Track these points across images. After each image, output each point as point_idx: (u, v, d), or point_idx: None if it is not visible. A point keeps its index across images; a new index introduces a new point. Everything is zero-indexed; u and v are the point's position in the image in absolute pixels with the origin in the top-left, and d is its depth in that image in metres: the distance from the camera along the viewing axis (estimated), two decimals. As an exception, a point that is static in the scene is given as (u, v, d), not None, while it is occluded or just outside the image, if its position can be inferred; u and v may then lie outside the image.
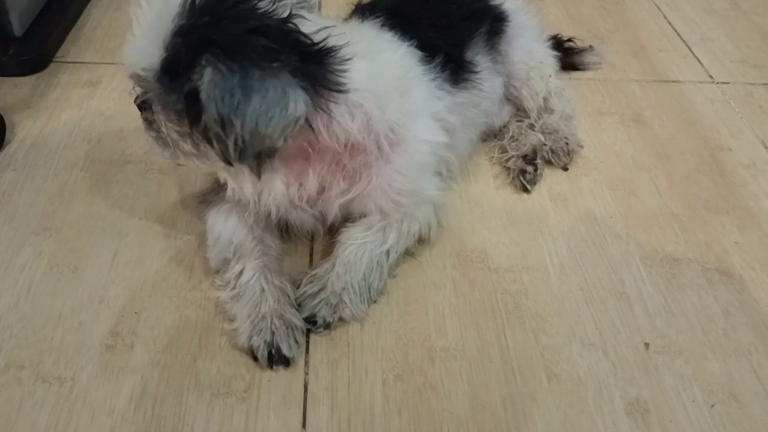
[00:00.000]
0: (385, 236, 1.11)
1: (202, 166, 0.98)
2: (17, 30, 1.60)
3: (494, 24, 1.37)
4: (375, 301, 1.09)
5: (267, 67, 0.84)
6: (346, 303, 1.06)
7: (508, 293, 1.14)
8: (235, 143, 0.86)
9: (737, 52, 1.84)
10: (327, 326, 1.05)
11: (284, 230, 1.17)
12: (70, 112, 1.48)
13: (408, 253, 1.17)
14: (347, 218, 1.14)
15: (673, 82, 1.71)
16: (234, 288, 1.07)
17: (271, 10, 0.88)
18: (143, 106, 0.98)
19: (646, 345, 1.07)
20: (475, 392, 0.99)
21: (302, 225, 1.14)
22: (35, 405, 0.94)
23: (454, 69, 1.22)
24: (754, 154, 1.48)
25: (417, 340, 1.05)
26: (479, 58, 1.31)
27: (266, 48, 0.85)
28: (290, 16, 0.89)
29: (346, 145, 1.00)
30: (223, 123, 0.85)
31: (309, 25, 0.91)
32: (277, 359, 0.99)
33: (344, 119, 0.96)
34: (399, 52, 1.10)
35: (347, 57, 0.92)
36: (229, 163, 0.91)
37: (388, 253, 1.11)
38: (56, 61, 1.64)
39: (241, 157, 0.88)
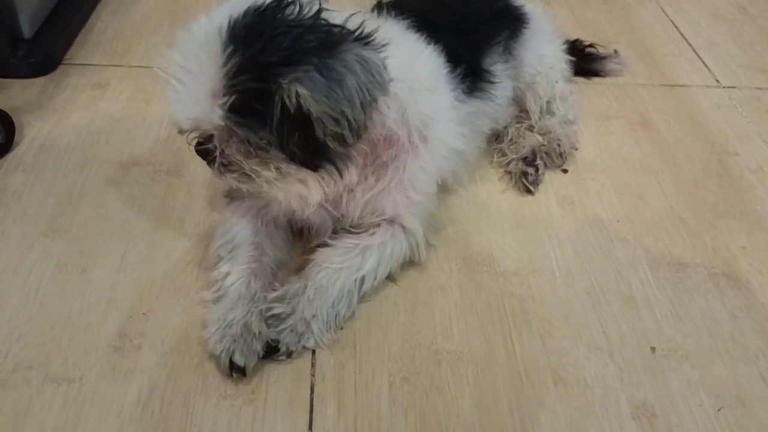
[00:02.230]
0: (363, 261, 1.09)
1: (280, 186, 0.98)
2: (27, 32, 1.61)
3: (514, 26, 1.38)
4: (341, 328, 1.07)
5: (336, 53, 0.87)
6: (312, 332, 1.03)
7: (514, 297, 1.14)
8: (350, 129, 0.89)
9: (744, 56, 1.84)
10: (289, 354, 1.02)
11: (296, 233, 1.18)
12: (79, 114, 1.49)
13: (390, 279, 1.14)
14: (362, 220, 1.13)
15: (680, 86, 1.71)
16: (218, 290, 1.07)
17: (302, 12, 0.91)
18: (210, 153, 0.96)
19: (653, 349, 1.07)
20: (482, 395, 0.99)
21: (320, 226, 1.14)
22: (43, 405, 0.94)
23: (472, 79, 1.22)
24: (762, 158, 1.48)
25: (423, 343, 1.06)
26: (497, 66, 1.32)
27: (323, 42, 0.88)
28: (320, 11, 0.92)
29: (380, 137, 1.01)
30: (338, 118, 0.87)
31: (338, 16, 0.93)
32: (235, 368, 0.97)
33: (383, 108, 0.97)
34: (427, 50, 1.11)
35: (384, 42, 0.94)
36: (314, 168, 0.94)
37: (363, 279, 1.08)
38: (65, 64, 1.65)
39: (352, 142, 0.91)
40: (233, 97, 0.86)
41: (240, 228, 1.13)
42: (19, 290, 1.10)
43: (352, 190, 1.08)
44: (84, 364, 1.00)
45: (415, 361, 1.03)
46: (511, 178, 1.38)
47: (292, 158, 0.92)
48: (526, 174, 1.35)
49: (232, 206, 1.16)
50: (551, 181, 1.39)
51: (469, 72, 1.20)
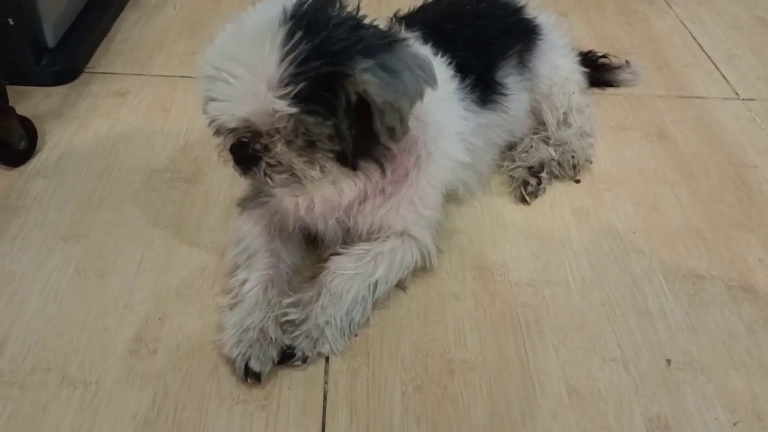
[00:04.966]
0: (376, 266, 1.09)
1: (321, 187, 0.99)
2: (50, 41, 1.64)
3: (527, 40, 1.39)
4: (356, 335, 1.08)
5: (393, 48, 0.91)
6: (327, 338, 1.03)
7: (528, 307, 1.14)
8: (401, 123, 0.91)
9: (763, 68, 1.83)
10: (304, 360, 1.02)
11: (310, 242, 1.19)
12: (100, 122, 1.51)
13: (401, 287, 1.15)
14: (371, 232, 1.13)
15: (698, 98, 1.70)
16: (235, 296, 1.08)
17: (343, 8, 0.94)
18: (252, 154, 0.94)
19: (668, 361, 1.06)
20: (495, 405, 0.99)
21: (331, 237, 1.14)
22: (60, 407, 0.96)
23: (484, 90, 1.23)
24: (780, 171, 1.47)
25: (437, 352, 1.06)
26: (510, 78, 1.32)
27: (380, 37, 0.92)
28: (358, 9, 0.95)
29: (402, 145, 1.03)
30: (396, 110, 0.89)
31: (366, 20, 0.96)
32: (250, 373, 0.98)
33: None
34: (435, 60, 1.11)
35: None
36: (355, 166, 0.95)
37: (376, 284, 1.09)
38: (87, 72, 1.68)
39: (400, 137, 0.93)
40: (301, 85, 0.86)
41: (255, 235, 1.14)
42: (38, 293, 1.11)
43: (363, 203, 1.09)
44: (100, 368, 1.01)
45: (428, 370, 1.03)
46: (511, 183, 1.38)
47: (343, 153, 0.93)
48: (527, 183, 1.35)
49: (245, 214, 1.17)
50: (566, 191, 1.38)
51: (480, 83, 1.21)
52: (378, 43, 0.91)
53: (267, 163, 0.94)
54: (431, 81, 0.94)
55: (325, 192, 1.01)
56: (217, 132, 0.95)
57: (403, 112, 0.90)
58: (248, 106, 0.88)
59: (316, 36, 0.87)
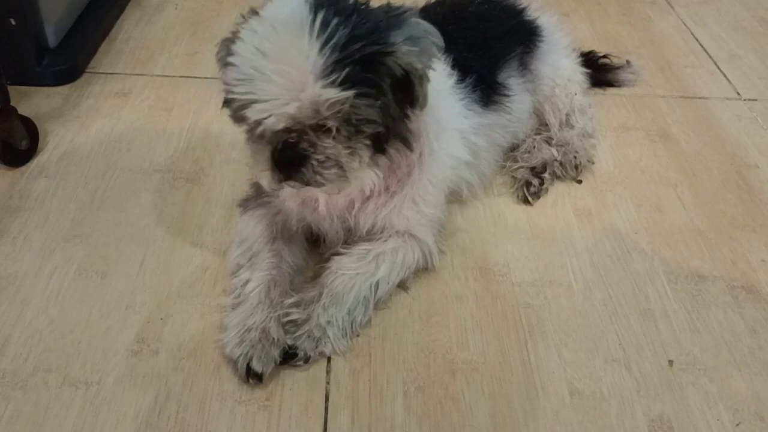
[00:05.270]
0: (377, 266, 1.09)
1: (356, 179, 0.98)
2: (52, 41, 1.64)
3: (529, 41, 1.39)
4: (358, 335, 1.08)
5: (408, 22, 0.93)
6: (329, 338, 1.03)
7: (530, 307, 1.13)
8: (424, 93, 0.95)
9: (765, 68, 1.82)
10: (306, 360, 1.02)
11: (311, 242, 1.19)
12: (102, 122, 1.51)
13: (402, 288, 1.15)
14: (373, 232, 1.13)
15: (700, 98, 1.70)
16: (237, 296, 1.08)
17: None
18: (303, 157, 0.92)
19: (671, 362, 1.06)
20: (497, 406, 0.99)
21: (332, 236, 1.14)
22: (62, 408, 0.95)
23: (485, 90, 1.23)
24: (783, 171, 1.47)
25: (438, 352, 1.06)
26: (512, 80, 1.33)
27: (395, 13, 0.94)
28: None
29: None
30: (428, 74, 0.93)
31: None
32: (252, 373, 0.98)
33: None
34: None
35: None
36: (383, 150, 0.97)
37: (378, 284, 1.09)
38: (89, 72, 1.68)
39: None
40: (346, 70, 0.86)
41: (257, 236, 1.14)
42: (40, 294, 1.11)
43: (366, 201, 1.09)
44: (102, 368, 1.01)
45: (429, 370, 1.03)
46: (513, 184, 1.38)
47: (378, 138, 0.94)
48: (530, 184, 1.35)
49: (247, 215, 1.17)
50: (568, 192, 1.38)
51: (481, 83, 1.21)
52: (395, 18, 0.93)
53: (316, 161, 0.92)
54: (440, 45, 0.96)
55: (357, 184, 1.00)
56: (260, 138, 0.92)
57: (428, 75, 0.94)
58: (297, 101, 0.86)
59: (348, 19, 0.88)
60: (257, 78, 0.86)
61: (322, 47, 0.85)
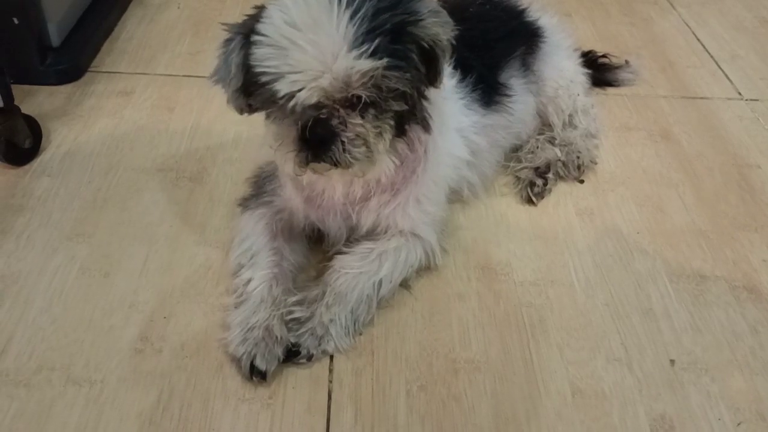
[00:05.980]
0: (380, 265, 1.09)
1: (380, 161, 0.98)
2: (54, 40, 1.64)
3: (530, 42, 1.39)
4: (360, 334, 1.08)
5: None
6: (332, 336, 1.04)
7: (533, 307, 1.14)
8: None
9: (767, 69, 1.83)
10: (309, 358, 1.03)
11: (313, 241, 1.19)
12: (104, 121, 1.51)
13: (405, 287, 1.15)
14: (376, 231, 1.13)
15: (702, 98, 1.70)
16: (240, 295, 1.08)
17: None
18: (333, 134, 0.91)
19: (672, 361, 1.06)
20: (499, 405, 0.99)
21: (335, 234, 1.14)
22: (65, 406, 0.96)
23: (486, 90, 1.23)
24: (784, 171, 1.47)
25: (441, 352, 1.06)
26: (513, 81, 1.33)
27: None
28: None
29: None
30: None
31: None
32: (256, 371, 0.98)
33: None
34: None
35: None
36: (403, 132, 0.98)
37: (381, 283, 1.09)
38: (91, 71, 1.68)
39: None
40: (377, 40, 0.86)
41: (257, 235, 1.14)
42: (43, 293, 1.12)
43: (368, 199, 1.09)
44: (106, 367, 1.01)
45: (432, 370, 1.03)
46: (517, 184, 1.38)
47: (401, 117, 0.95)
48: (534, 184, 1.36)
49: (247, 214, 1.17)
50: (570, 192, 1.39)
51: (481, 83, 1.21)
52: None
53: (346, 138, 0.91)
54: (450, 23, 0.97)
55: (377, 170, 0.99)
56: (289, 114, 0.91)
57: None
58: (330, 73, 0.86)
59: None
60: (290, 48, 0.86)
61: (352, 17, 0.86)
